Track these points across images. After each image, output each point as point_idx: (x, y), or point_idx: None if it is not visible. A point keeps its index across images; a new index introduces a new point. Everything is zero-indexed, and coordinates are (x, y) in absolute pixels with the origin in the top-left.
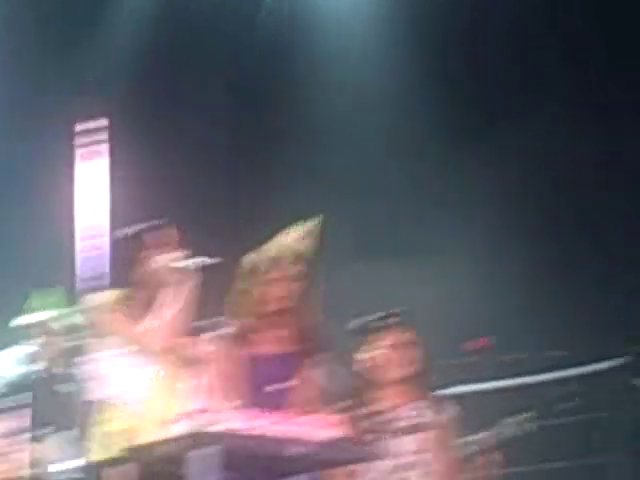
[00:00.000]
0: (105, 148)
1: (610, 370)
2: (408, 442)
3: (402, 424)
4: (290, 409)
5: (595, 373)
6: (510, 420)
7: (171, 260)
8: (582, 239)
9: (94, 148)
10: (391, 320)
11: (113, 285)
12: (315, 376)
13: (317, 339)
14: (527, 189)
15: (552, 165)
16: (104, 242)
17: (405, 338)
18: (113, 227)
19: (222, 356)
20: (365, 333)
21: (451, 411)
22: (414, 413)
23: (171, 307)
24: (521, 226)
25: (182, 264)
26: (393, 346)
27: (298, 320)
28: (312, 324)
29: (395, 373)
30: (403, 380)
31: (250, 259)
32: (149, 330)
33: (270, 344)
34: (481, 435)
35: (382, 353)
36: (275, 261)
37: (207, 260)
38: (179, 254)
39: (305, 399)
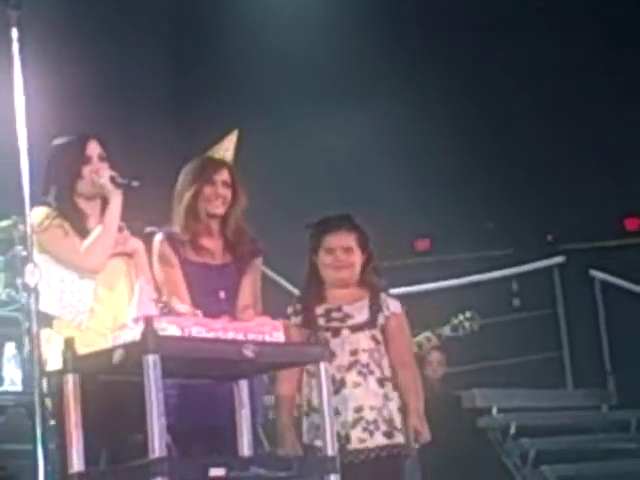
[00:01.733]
0: (17, 60)
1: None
2: (344, 342)
3: (344, 324)
4: (230, 316)
5: (534, 271)
6: (453, 319)
7: (114, 176)
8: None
9: (4, 60)
10: (334, 223)
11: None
12: (251, 282)
13: (250, 246)
14: None
15: None
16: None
17: (353, 239)
18: (31, 145)
19: (162, 260)
20: (319, 234)
21: (397, 309)
22: (356, 311)
23: (112, 226)
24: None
25: (126, 181)
26: (330, 249)
27: (230, 228)
28: (243, 232)
29: (342, 274)
30: (349, 280)
31: (185, 169)
32: (90, 248)
33: (207, 253)
34: (425, 335)
35: (331, 255)
36: (202, 168)
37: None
38: (115, 172)
39: (241, 305)
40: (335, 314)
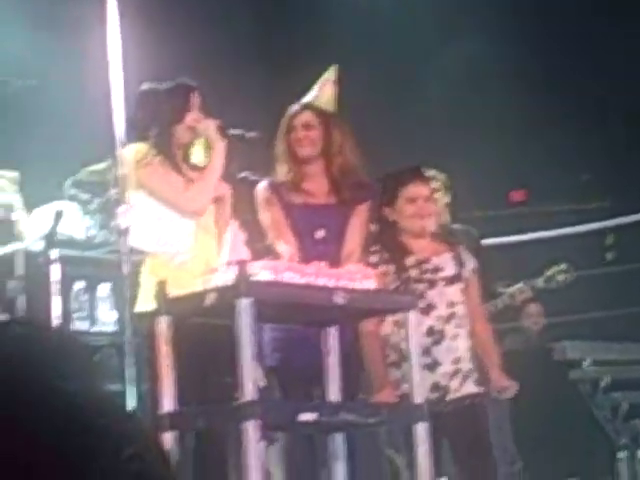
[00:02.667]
0: (113, 5)
1: None
2: (442, 293)
3: (437, 275)
4: (329, 260)
5: (630, 224)
6: (547, 271)
7: (221, 126)
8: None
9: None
10: (413, 173)
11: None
12: (355, 227)
13: (356, 189)
14: None
15: None
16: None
17: (430, 189)
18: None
19: (264, 204)
20: (396, 185)
21: (475, 264)
22: (445, 264)
23: (216, 171)
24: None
25: (232, 132)
26: (411, 199)
27: (333, 169)
28: (349, 174)
29: (425, 222)
30: (434, 232)
31: (287, 112)
32: (196, 191)
33: (308, 194)
34: (518, 286)
35: (413, 205)
36: (287, 114)
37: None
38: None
39: (346, 250)
40: (425, 266)
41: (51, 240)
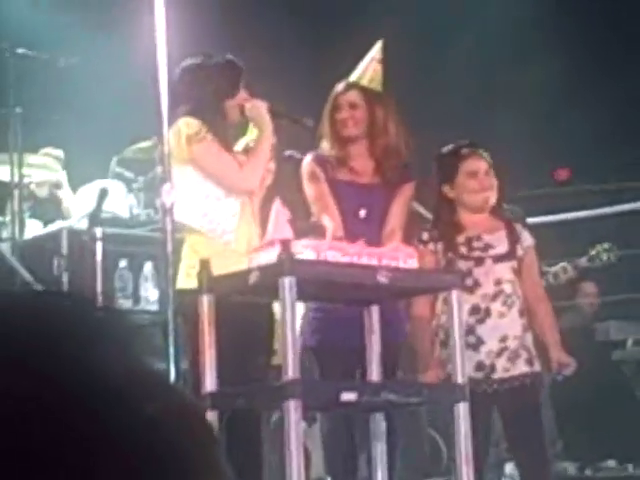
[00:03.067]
0: None
1: None
2: (489, 271)
3: (486, 253)
4: (371, 239)
5: None
6: (591, 250)
7: (268, 107)
8: None
9: None
10: (469, 149)
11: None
12: (398, 207)
13: (400, 170)
14: None
15: None
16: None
17: (486, 165)
18: (169, 68)
19: (310, 178)
20: (455, 162)
21: (532, 242)
22: (497, 242)
23: (267, 151)
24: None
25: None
26: (472, 173)
27: (378, 148)
28: (392, 155)
29: (487, 194)
30: (484, 208)
31: (333, 90)
32: (250, 168)
33: (354, 172)
34: (562, 265)
35: (475, 179)
36: (332, 93)
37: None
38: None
39: (388, 229)
40: (476, 243)
41: (96, 218)
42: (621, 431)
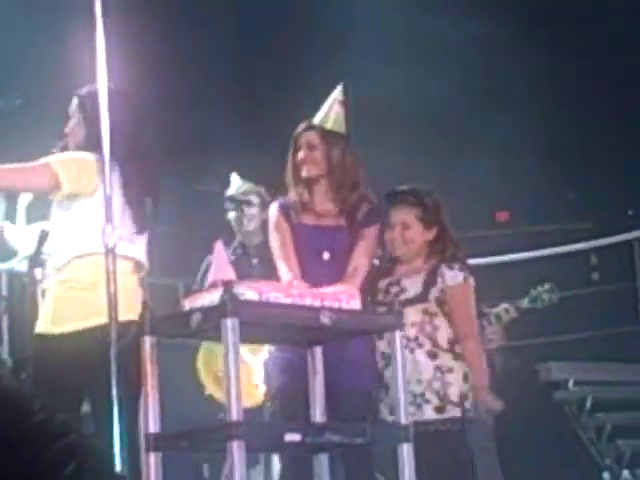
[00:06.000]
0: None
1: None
2: (417, 313)
3: (400, 297)
4: (334, 281)
5: (615, 244)
6: (532, 291)
7: None
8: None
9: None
10: (401, 197)
11: None
12: (362, 249)
13: (365, 212)
14: None
15: None
16: None
17: (413, 215)
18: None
19: (273, 227)
20: (387, 207)
21: (455, 280)
22: (410, 285)
23: None
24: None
25: None
26: (401, 224)
27: (341, 190)
28: (352, 189)
29: (399, 250)
30: (409, 256)
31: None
32: None
33: (318, 215)
34: (504, 306)
35: (391, 230)
36: (294, 134)
37: None
38: None
39: (349, 269)
40: (393, 288)
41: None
42: (564, 471)
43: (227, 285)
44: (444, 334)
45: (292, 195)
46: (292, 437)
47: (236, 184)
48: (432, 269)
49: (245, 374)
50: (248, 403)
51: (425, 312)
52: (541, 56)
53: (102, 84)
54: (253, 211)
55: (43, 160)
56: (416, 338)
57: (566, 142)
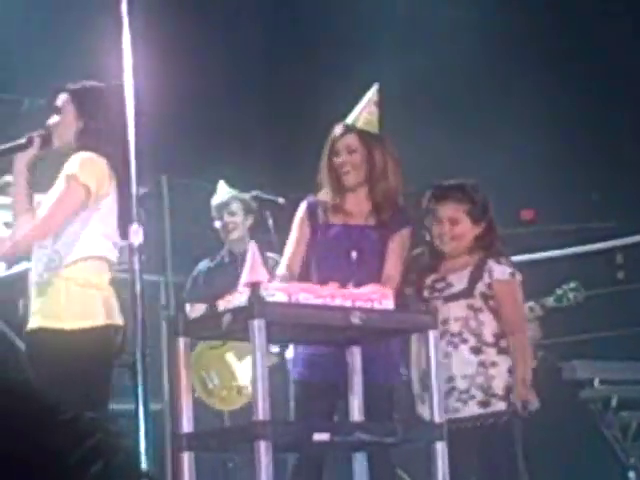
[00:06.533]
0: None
1: None
2: (445, 310)
3: (445, 293)
4: (362, 281)
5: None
6: (557, 290)
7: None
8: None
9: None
10: (449, 192)
11: None
12: (394, 252)
13: (397, 215)
14: None
15: None
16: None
17: (461, 210)
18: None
19: (296, 223)
20: (430, 203)
21: (502, 275)
22: (457, 281)
23: None
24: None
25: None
26: (449, 219)
27: (376, 192)
28: (391, 198)
29: (448, 246)
30: (457, 252)
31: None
32: None
33: (349, 215)
34: (529, 304)
35: (439, 225)
36: (329, 137)
37: None
38: None
39: (384, 275)
40: (439, 284)
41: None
42: (589, 470)
43: (254, 287)
44: (489, 329)
45: (323, 195)
46: (321, 437)
47: (221, 192)
48: (479, 264)
49: (227, 378)
50: (232, 406)
51: (470, 307)
52: (569, 56)
53: (128, 83)
54: (236, 219)
55: (69, 174)
56: (460, 333)
57: (592, 140)
